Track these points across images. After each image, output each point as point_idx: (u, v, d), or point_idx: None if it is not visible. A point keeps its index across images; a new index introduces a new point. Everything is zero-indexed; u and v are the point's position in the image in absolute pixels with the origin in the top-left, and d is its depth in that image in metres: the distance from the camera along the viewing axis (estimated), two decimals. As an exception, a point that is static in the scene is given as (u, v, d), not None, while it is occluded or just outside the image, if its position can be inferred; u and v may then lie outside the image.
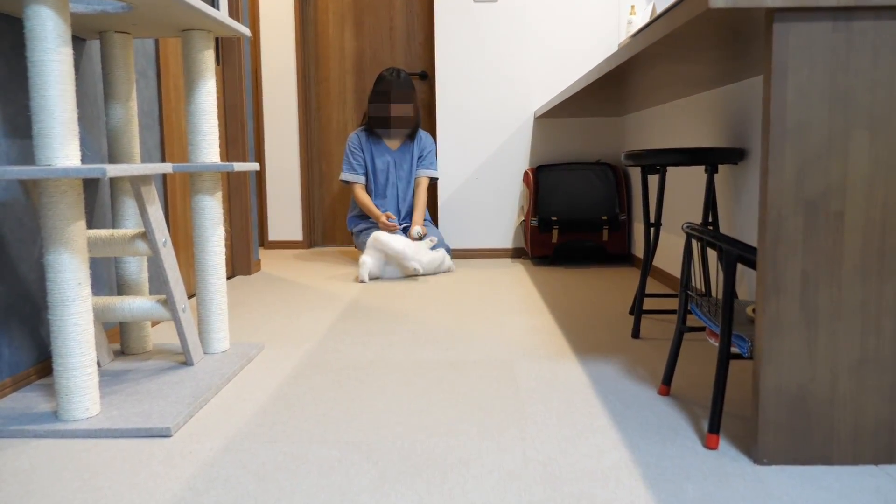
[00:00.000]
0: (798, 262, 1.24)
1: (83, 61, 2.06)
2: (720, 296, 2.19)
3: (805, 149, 1.22)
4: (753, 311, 1.49)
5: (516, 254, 4.17)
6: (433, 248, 3.57)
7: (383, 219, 3.67)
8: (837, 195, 1.23)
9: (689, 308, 1.60)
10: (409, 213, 3.95)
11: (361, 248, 3.86)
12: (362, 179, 3.88)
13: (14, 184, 1.73)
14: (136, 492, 1.22)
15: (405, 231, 3.88)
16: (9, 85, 1.72)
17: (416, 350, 2.10)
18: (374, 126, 3.83)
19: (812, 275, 1.24)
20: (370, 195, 3.92)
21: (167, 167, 1.69)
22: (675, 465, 1.28)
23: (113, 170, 1.42)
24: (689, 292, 1.58)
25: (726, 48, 1.58)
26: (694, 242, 2.48)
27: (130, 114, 2.00)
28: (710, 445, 1.35)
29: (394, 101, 3.77)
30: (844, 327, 1.25)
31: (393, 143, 3.92)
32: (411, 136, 3.92)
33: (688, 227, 1.51)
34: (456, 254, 4.16)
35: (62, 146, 1.44)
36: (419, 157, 3.92)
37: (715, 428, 1.36)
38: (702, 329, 1.75)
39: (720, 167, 2.44)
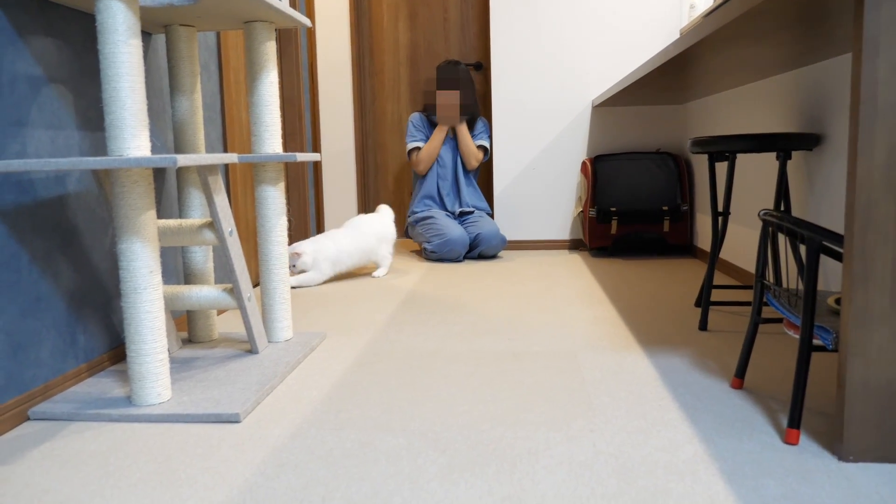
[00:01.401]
0: (889, 250, 1.18)
1: (150, 55, 2.10)
2: (793, 287, 2.11)
3: (897, 129, 1.16)
4: (836, 301, 1.43)
5: (573, 245, 4.11)
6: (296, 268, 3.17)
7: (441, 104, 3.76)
8: (932, 178, 1.16)
9: (764, 299, 1.54)
10: (470, 191, 3.97)
11: (418, 239, 3.87)
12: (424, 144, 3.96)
13: (87, 175, 1.77)
14: (209, 475, 1.24)
15: (460, 218, 3.87)
16: (80, 79, 1.76)
17: (477, 340, 2.09)
18: (428, 112, 3.92)
19: (903, 262, 1.17)
20: (429, 176, 3.95)
21: (233, 157, 1.71)
22: (753, 461, 1.24)
23: (183, 159, 1.44)
24: (766, 282, 1.52)
25: (808, 26, 1.51)
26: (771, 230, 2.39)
27: (195, 106, 2.02)
28: (790, 441, 1.30)
29: (440, 88, 3.83)
30: (938, 318, 1.18)
31: (451, 133, 3.93)
32: (468, 125, 3.93)
33: (765, 213, 1.45)
34: (512, 245, 4.13)
35: (133, 137, 1.46)
36: (474, 135, 3.97)
37: (795, 423, 1.30)
38: (775, 321, 1.69)
39: (794, 154, 2.35)
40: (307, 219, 3.59)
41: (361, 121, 4.67)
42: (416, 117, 3.99)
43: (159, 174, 2.12)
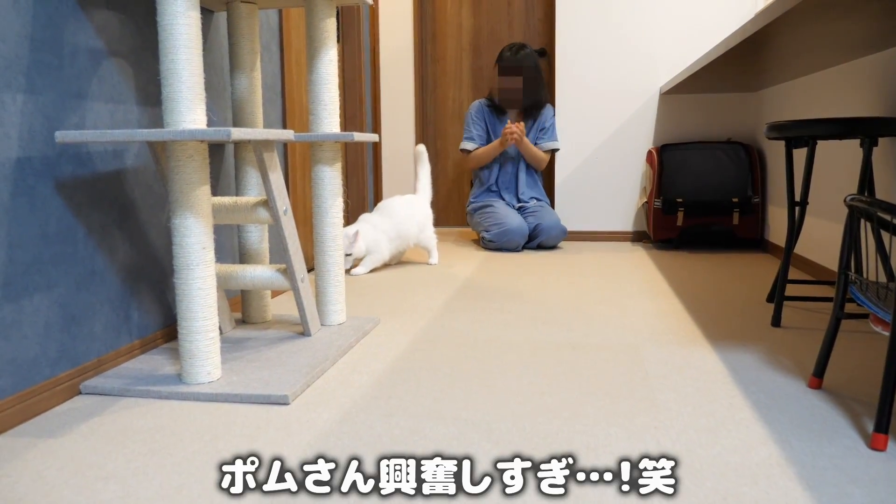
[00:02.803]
0: None
1: (210, 32, 2.09)
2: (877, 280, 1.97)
3: None
4: (931, 296, 1.30)
5: (637, 237, 3.98)
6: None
7: (507, 130, 3.63)
8: None
9: (847, 292, 1.42)
10: (530, 183, 3.86)
11: (476, 228, 3.80)
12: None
13: (144, 150, 1.77)
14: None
15: (521, 211, 3.78)
16: (142, 54, 1.76)
17: (534, 330, 2.01)
18: (494, 96, 3.79)
19: None
20: (490, 167, 3.86)
21: (289, 133, 1.67)
22: (835, 466, 1.13)
23: (237, 132, 1.41)
24: (849, 273, 1.40)
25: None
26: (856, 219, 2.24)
27: (254, 84, 2.00)
28: (877, 447, 1.19)
29: (503, 74, 3.71)
30: None
31: (513, 115, 3.83)
32: (533, 113, 3.81)
33: (852, 198, 1.33)
34: (573, 236, 4.02)
35: (189, 110, 1.44)
36: (541, 129, 3.82)
37: (883, 427, 1.19)
38: (859, 316, 1.56)
39: (880, 142, 2.19)
40: (365, 205, 3.57)
41: (422, 107, 4.62)
42: (475, 108, 3.89)
43: (217, 152, 2.11)
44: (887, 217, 1.22)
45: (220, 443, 1.26)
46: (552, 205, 4.26)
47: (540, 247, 3.69)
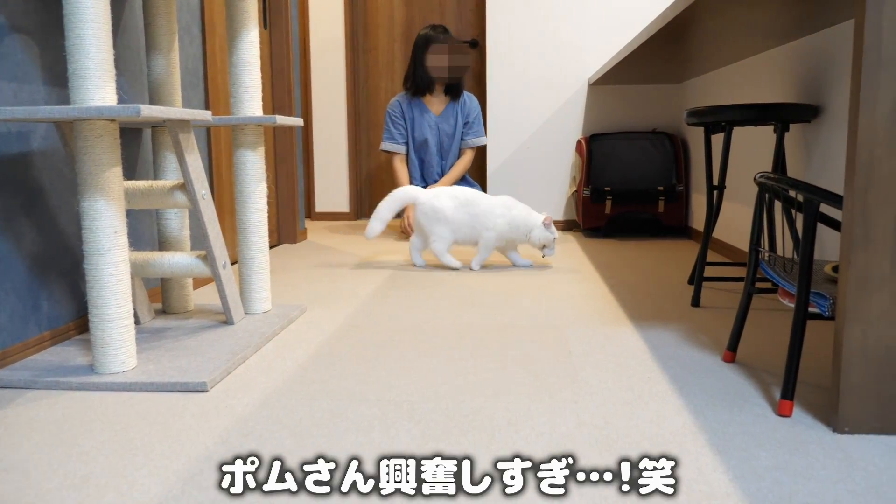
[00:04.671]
0: (891, 209, 1.10)
1: (125, 12, 2.01)
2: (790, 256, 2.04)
3: (903, 81, 1.08)
4: (833, 269, 1.36)
5: (567, 226, 4.04)
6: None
7: (409, 215, 3.57)
8: (940, 133, 1.08)
9: (759, 268, 1.47)
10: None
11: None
12: (402, 149, 3.79)
13: (52, 132, 1.69)
14: (168, 444, 1.17)
15: None
16: (49, 30, 1.68)
17: (463, 314, 2.02)
18: (435, 75, 3.67)
19: (907, 223, 1.10)
20: (414, 162, 3.83)
21: (206, 114, 1.63)
22: (744, 433, 1.17)
23: (148, 110, 1.36)
24: (760, 250, 1.45)
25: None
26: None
27: (172, 65, 1.94)
28: (783, 413, 1.23)
29: (451, 47, 3.66)
30: (943, 283, 1.11)
31: (436, 107, 3.80)
32: (455, 97, 3.79)
33: (761, 175, 1.38)
34: (504, 226, 4.05)
35: (97, 88, 1.38)
36: (465, 123, 3.81)
37: (789, 394, 1.23)
38: (770, 291, 1.62)
39: (792, 127, 2.27)
40: (295, 195, 3.51)
41: (354, 97, 4.58)
42: (394, 107, 3.79)
43: (134, 137, 2.04)
44: (792, 192, 1.26)
45: (131, 431, 1.22)
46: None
47: (472, 236, 3.70)
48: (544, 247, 2.68)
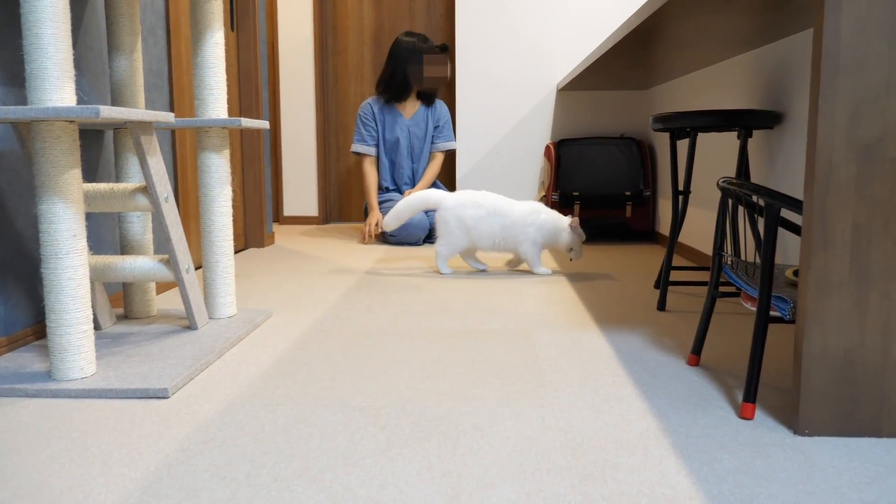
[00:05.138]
0: (849, 214, 1.12)
1: (87, 13, 1.97)
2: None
3: (860, 88, 1.10)
4: (794, 273, 1.38)
5: (536, 231, 4.05)
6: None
7: (371, 222, 3.63)
8: (895, 140, 1.11)
9: (721, 272, 1.49)
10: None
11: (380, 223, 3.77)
12: (373, 152, 3.79)
13: (9, 133, 1.65)
14: (126, 451, 1.14)
15: None
16: (7, 30, 1.64)
17: (430, 319, 2.01)
18: (416, 86, 3.71)
19: (865, 228, 1.12)
20: (384, 164, 3.82)
21: (168, 116, 1.60)
22: (707, 435, 1.18)
23: (108, 111, 1.34)
24: (723, 254, 1.46)
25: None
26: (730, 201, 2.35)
27: (135, 66, 1.91)
28: (746, 415, 1.25)
29: (433, 57, 3.68)
30: (899, 287, 1.13)
31: (408, 112, 3.81)
32: (429, 104, 3.81)
33: (724, 181, 1.40)
34: (474, 230, 4.05)
35: (56, 88, 1.35)
36: (436, 127, 3.82)
37: (751, 397, 1.25)
38: (733, 295, 1.64)
39: (755, 133, 2.31)
40: (262, 199, 3.48)
41: (323, 101, 4.55)
42: (366, 110, 3.80)
43: (96, 139, 2.00)
44: (754, 197, 1.28)
45: (89, 439, 1.19)
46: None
47: (441, 240, 3.70)
48: (571, 249, 2.68)
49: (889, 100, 1.10)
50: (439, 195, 2.74)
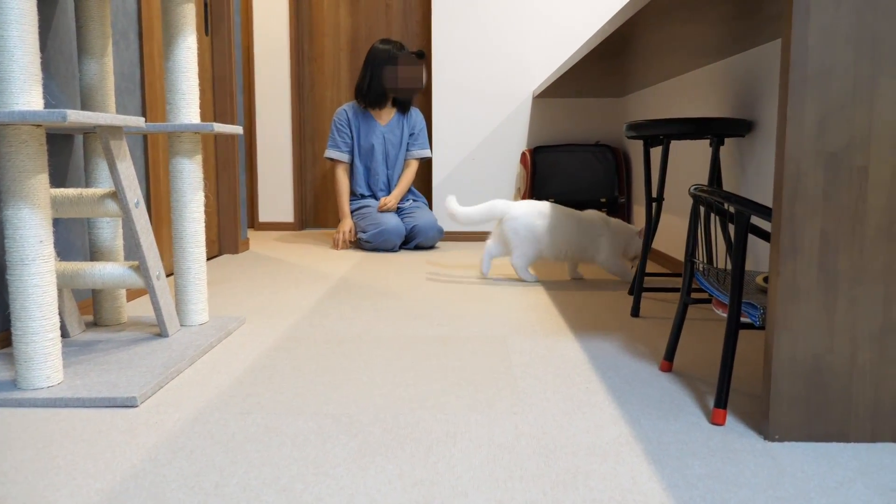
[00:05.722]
0: (817, 221, 1.14)
1: (57, 15, 1.94)
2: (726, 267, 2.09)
3: (827, 97, 1.12)
4: (764, 280, 1.39)
5: (512, 237, 4.06)
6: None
7: (343, 229, 3.62)
8: (861, 148, 1.12)
9: (693, 279, 1.50)
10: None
11: (355, 229, 3.75)
12: (346, 158, 3.78)
13: (-24, 138, 1.62)
14: (92, 462, 1.12)
15: (398, 212, 3.77)
16: (-29, 32, 1.61)
17: (405, 325, 2.00)
18: (392, 93, 3.70)
19: (832, 235, 1.14)
20: (359, 170, 3.81)
21: (138, 120, 1.58)
22: (679, 441, 1.18)
23: (75, 115, 1.32)
24: (695, 261, 1.47)
25: (738, 1, 1.47)
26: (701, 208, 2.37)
27: (106, 70, 1.88)
28: (717, 421, 1.25)
29: (408, 64, 3.68)
30: (866, 293, 1.15)
31: (383, 118, 3.80)
32: (404, 111, 3.81)
33: (695, 188, 1.41)
34: (450, 236, 4.06)
35: (22, 91, 1.33)
36: (410, 135, 3.82)
37: (722, 403, 1.26)
38: (705, 301, 1.65)
39: (727, 141, 2.34)
40: (237, 204, 3.45)
41: (299, 106, 4.53)
42: (341, 116, 3.80)
43: (66, 144, 1.97)
44: (725, 205, 1.29)
45: (54, 449, 1.17)
46: (430, 205, 4.29)
47: (417, 247, 3.70)
48: (635, 258, 2.67)
49: (855, 108, 1.12)
50: (505, 205, 2.71)
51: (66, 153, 1.97)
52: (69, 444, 1.19)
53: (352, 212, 3.78)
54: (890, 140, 1.12)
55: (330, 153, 3.79)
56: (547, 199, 3.65)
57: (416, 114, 3.84)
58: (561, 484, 1.04)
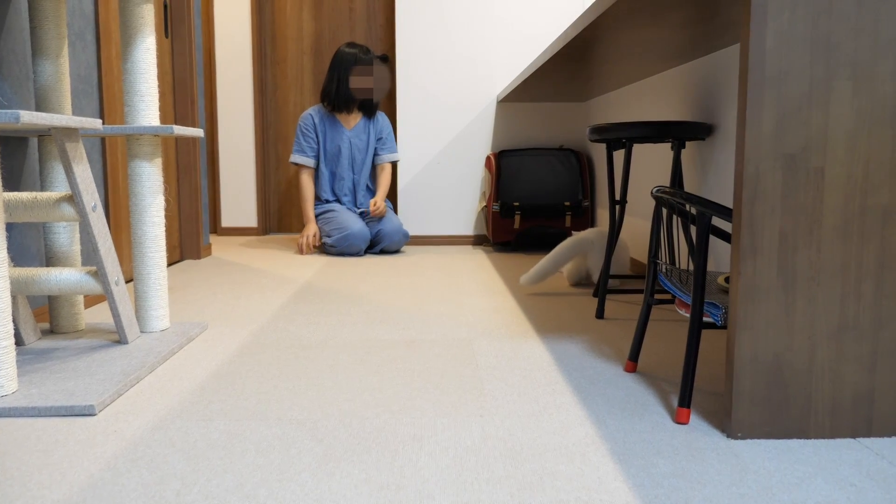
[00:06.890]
0: (776, 221, 1.16)
1: (10, 15, 1.89)
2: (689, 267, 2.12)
3: (784, 99, 1.14)
4: (726, 280, 1.41)
5: (478, 241, 4.07)
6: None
7: (307, 234, 3.61)
8: (818, 149, 1.15)
9: (657, 279, 1.52)
10: (367, 193, 3.83)
11: (320, 234, 3.73)
12: (312, 163, 3.75)
13: (-76, 140, 1.57)
14: (48, 472, 1.09)
15: (362, 216, 3.76)
16: (-81, 31, 1.56)
17: (370, 330, 1.99)
18: (358, 96, 3.69)
19: (790, 235, 1.16)
20: (325, 175, 3.79)
21: (95, 122, 1.55)
22: (643, 441, 1.19)
23: (28, 116, 1.28)
24: (658, 262, 1.49)
25: (697, 5, 1.50)
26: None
27: (61, 72, 1.84)
28: (681, 420, 1.27)
29: (375, 67, 3.68)
30: (823, 292, 1.17)
31: (349, 123, 3.79)
32: (370, 115, 3.80)
33: (658, 190, 1.42)
34: (416, 240, 4.05)
35: (-27, 92, 1.29)
36: (378, 139, 3.80)
37: (686, 402, 1.27)
38: (668, 302, 1.67)
39: (688, 144, 2.37)
40: (199, 209, 3.40)
41: (262, 110, 4.48)
42: (306, 120, 3.77)
43: (19, 147, 1.92)
44: (686, 206, 1.31)
45: (7, 460, 1.13)
46: (395, 210, 4.28)
47: (382, 251, 3.68)
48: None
49: (812, 111, 1.14)
50: (585, 239, 2.59)
51: (20, 156, 1.92)
52: (24, 455, 1.15)
53: (316, 216, 3.75)
54: (845, 142, 1.15)
55: (295, 158, 3.75)
56: (512, 204, 3.66)
57: (382, 118, 3.83)
58: (528, 486, 1.04)
